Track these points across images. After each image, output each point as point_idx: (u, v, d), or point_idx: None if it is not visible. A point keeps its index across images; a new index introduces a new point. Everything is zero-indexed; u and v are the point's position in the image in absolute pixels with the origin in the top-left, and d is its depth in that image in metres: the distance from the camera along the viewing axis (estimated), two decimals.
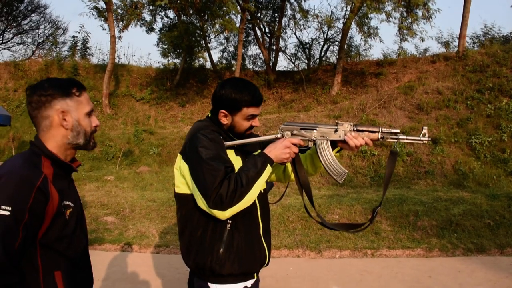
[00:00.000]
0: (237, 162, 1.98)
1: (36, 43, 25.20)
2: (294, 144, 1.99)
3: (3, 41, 24.76)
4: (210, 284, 1.95)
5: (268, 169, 1.90)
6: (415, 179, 10.02)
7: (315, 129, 2.06)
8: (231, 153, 2.00)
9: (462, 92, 12.46)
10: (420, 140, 2.00)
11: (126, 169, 11.75)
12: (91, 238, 6.76)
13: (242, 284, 1.98)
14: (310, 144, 2.09)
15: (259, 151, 2.00)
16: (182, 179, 1.96)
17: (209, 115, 2.11)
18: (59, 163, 1.61)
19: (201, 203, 1.83)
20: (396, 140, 2.03)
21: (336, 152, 2.13)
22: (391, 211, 7.37)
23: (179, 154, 2.01)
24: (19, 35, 24.90)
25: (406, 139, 2.03)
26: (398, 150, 2.05)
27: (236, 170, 1.89)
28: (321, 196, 8.74)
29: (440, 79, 13.69)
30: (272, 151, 1.94)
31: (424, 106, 12.20)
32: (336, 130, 2.05)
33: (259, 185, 1.86)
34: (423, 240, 6.52)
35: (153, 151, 12.55)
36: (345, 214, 7.43)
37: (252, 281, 2.04)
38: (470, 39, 18.06)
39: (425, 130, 1.99)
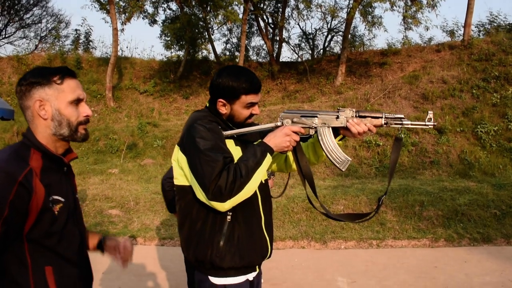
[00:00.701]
0: (236, 152, 1.93)
1: (39, 37, 25.16)
2: (295, 132, 1.93)
3: (6, 36, 24.75)
4: (210, 278, 1.90)
5: (268, 158, 1.85)
6: (421, 169, 9.96)
7: (316, 116, 1.99)
8: (230, 143, 1.95)
9: (468, 81, 12.34)
10: (425, 125, 1.92)
11: (130, 162, 11.75)
12: (95, 231, 6.76)
13: (244, 277, 1.94)
14: (311, 131, 2.02)
15: (259, 140, 1.95)
16: (180, 171, 1.92)
17: (207, 105, 2.05)
18: (49, 155, 1.53)
19: (200, 195, 1.78)
20: (400, 126, 1.94)
21: (339, 140, 2.06)
22: (397, 202, 7.33)
23: (176, 146, 1.96)
24: (22, 29, 24.85)
25: (411, 124, 1.95)
26: (402, 136, 1.96)
27: (236, 161, 1.84)
28: (326, 187, 8.71)
29: (445, 68, 13.55)
30: (271, 140, 1.88)
31: (429, 95, 12.10)
32: (337, 117, 1.98)
33: (259, 175, 1.81)
34: (428, 231, 6.48)
35: (157, 144, 12.53)
36: (350, 204, 7.40)
37: (254, 274, 2.00)
38: (475, 27, 17.85)
39: (430, 114, 1.91)
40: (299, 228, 6.78)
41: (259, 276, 2.07)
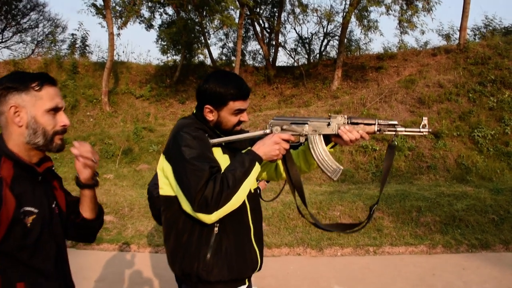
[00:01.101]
0: (224, 160, 1.86)
1: (35, 42, 25.11)
2: (285, 140, 1.86)
3: (3, 40, 24.67)
4: None
5: (257, 167, 1.78)
6: (417, 174, 9.91)
7: (307, 123, 1.93)
8: (217, 152, 1.89)
9: (464, 85, 12.32)
10: (420, 131, 1.87)
11: (125, 167, 11.67)
12: (99, 236, 6.68)
13: None
14: (302, 139, 1.95)
15: (248, 148, 1.88)
16: (166, 180, 1.85)
17: (194, 112, 1.99)
18: (21, 164, 1.46)
19: (186, 206, 1.72)
20: (394, 133, 1.89)
21: (331, 148, 2.00)
22: (393, 207, 7.27)
23: (162, 154, 1.90)
24: (19, 34, 24.79)
25: (405, 131, 1.89)
26: (396, 143, 1.91)
27: (223, 170, 1.78)
28: (322, 192, 8.64)
29: (441, 72, 13.54)
30: (260, 148, 1.81)
31: (425, 99, 12.07)
32: (329, 124, 1.91)
33: (248, 185, 1.74)
34: (426, 237, 6.42)
35: (153, 149, 12.46)
36: (347, 210, 7.33)
37: (243, 287, 1.93)
38: (471, 31, 17.92)
39: (425, 121, 1.86)
40: (295, 234, 6.70)
41: None
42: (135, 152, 12.72)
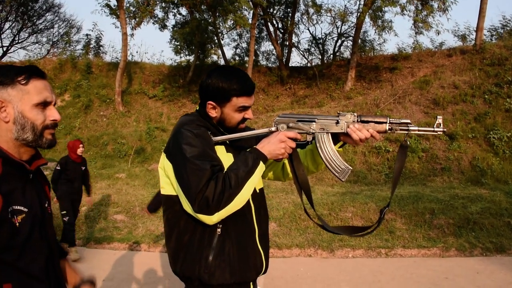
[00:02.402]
0: (228, 159, 1.80)
1: (50, 42, 25.42)
2: (291, 138, 1.78)
3: (19, 41, 25.04)
4: None
5: (261, 166, 1.71)
6: (431, 176, 9.77)
7: (314, 121, 1.84)
8: (221, 150, 1.82)
9: (480, 86, 12.12)
10: (434, 131, 1.77)
11: (138, 166, 11.71)
12: (100, 236, 6.72)
13: None
14: (309, 137, 1.86)
15: (252, 147, 1.81)
16: (167, 179, 1.79)
17: (198, 108, 1.92)
18: (10, 161, 1.39)
19: (187, 206, 1.66)
20: (406, 132, 1.80)
21: (339, 147, 1.91)
22: (406, 209, 7.16)
23: (163, 153, 1.83)
24: (34, 35, 25.14)
25: (418, 130, 1.79)
26: (409, 143, 1.79)
27: (226, 169, 1.71)
28: (334, 193, 8.57)
29: (457, 73, 13.35)
30: (265, 146, 1.74)
31: (440, 101, 11.90)
32: (337, 122, 1.82)
33: (251, 185, 1.67)
34: (439, 239, 6.31)
35: None
36: (359, 212, 7.25)
37: None
38: (487, 31, 17.64)
39: (439, 119, 1.76)
40: (306, 235, 6.64)
41: None
42: (147, 151, 12.77)
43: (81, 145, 6.13)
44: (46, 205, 1.55)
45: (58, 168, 5.97)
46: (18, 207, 1.37)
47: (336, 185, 9.68)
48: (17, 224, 1.35)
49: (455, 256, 5.91)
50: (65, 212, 5.91)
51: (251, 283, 1.88)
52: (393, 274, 5.26)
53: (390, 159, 10.48)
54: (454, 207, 7.06)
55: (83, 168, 6.19)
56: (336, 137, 1.87)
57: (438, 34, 18.95)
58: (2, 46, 24.66)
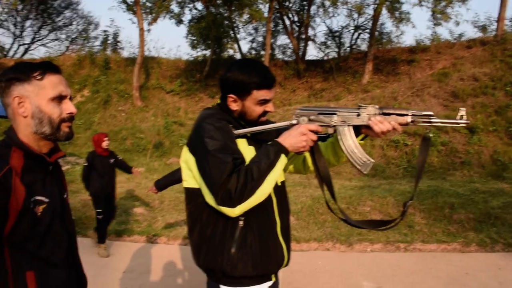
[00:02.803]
0: (249, 152, 1.80)
1: (69, 39, 25.83)
2: (312, 131, 1.77)
3: (40, 38, 25.49)
4: (222, 287, 1.80)
5: (283, 159, 1.71)
6: (451, 170, 9.65)
7: (335, 114, 1.83)
8: (243, 143, 1.82)
9: (501, 78, 11.89)
10: (457, 123, 1.74)
11: (156, 160, 11.83)
12: (120, 229, 6.82)
13: (258, 287, 1.82)
14: (330, 130, 1.85)
15: (274, 140, 1.80)
16: (189, 173, 1.81)
17: (219, 102, 1.93)
18: (31, 154, 1.46)
19: (209, 199, 1.68)
20: (428, 124, 1.77)
21: (361, 140, 1.90)
22: (425, 203, 7.10)
23: (185, 146, 1.85)
24: (54, 32, 25.59)
25: (441, 123, 1.77)
26: (431, 135, 1.79)
27: (248, 162, 1.71)
28: (352, 187, 8.54)
29: (477, 65, 13.12)
30: (287, 139, 1.74)
31: (459, 93, 11.73)
32: (359, 114, 1.81)
33: (273, 178, 1.68)
34: (459, 234, 6.25)
35: (183, 143, 12.58)
36: (377, 206, 7.22)
37: (269, 283, 1.87)
38: (509, 21, 17.26)
39: (462, 111, 1.73)
40: (324, 229, 6.64)
41: (275, 286, 1.94)
42: (165, 146, 12.89)
43: (106, 138, 5.96)
44: (65, 196, 1.62)
45: (86, 164, 5.93)
46: (40, 198, 1.43)
47: (354, 179, 9.64)
48: (39, 214, 1.42)
49: (475, 252, 5.84)
50: (99, 210, 5.87)
51: (273, 275, 1.89)
52: (412, 269, 5.24)
53: (409, 152, 10.38)
54: (475, 202, 6.97)
55: (112, 160, 5.99)
56: (357, 130, 1.86)
57: (458, 25, 18.72)
58: (24, 44, 25.16)
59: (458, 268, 5.19)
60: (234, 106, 1.85)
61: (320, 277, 5.06)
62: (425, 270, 5.19)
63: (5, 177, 1.34)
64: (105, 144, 5.88)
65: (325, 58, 18.90)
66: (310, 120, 1.83)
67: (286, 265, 1.93)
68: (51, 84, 1.47)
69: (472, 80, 12.19)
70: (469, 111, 11.09)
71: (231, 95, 1.83)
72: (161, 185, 4.65)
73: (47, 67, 1.49)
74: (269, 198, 1.81)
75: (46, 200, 1.46)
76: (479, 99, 11.46)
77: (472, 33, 31.71)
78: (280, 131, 1.86)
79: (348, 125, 1.84)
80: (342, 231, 6.52)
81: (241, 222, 1.75)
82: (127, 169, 6.18)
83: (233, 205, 1.62)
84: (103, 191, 5.88)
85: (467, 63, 13.43)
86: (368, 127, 1.81)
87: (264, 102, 1.83)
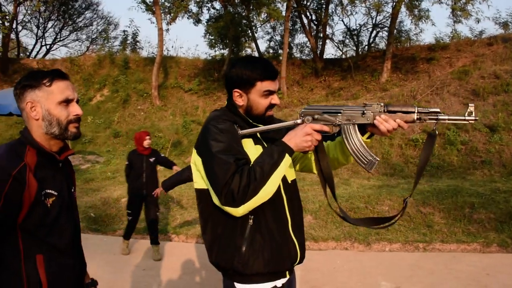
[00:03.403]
0: (256, 151, 1.82)
1: (90, 39, 26.23)
2: (317, 131, 1.78)
3: (61, 39, 25.97)
4: (236, 284, 1.83)
5: (287, 159, 1.73)
6: (471, 169, 9.52)
7: (340, 112, 1.83)
8: (249, 143, 1.85)
9: None
10: (465, 119, 1.72)
11: (175, 159, 11.91)
12: (139, 227, 6.91)
13: (271, 284, 1.83)
14: (335, 129, 1.86)
15: (278, 139, 1.82)
16: (198, 174, 1.85)
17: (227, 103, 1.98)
18: (43, 152, 1.64)
19: (215, 199, 1.72)
20: (435, 121, 1.75)
21: (367, 139, 1.90)
22: (445, 203, 7.03)
23: (194, 148, 1.90)
24: (75, 32, 26.04)
25: (448, 119, 1.75)
26: (437, 132, 1.77)
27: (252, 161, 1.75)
28: (370, 186, 8.50)
29: (498, 62, 12.90)
30: (291, 139, 1.75)
31: (480, 91, 11.54)
32: (363, 113, 1.81)
33: (277, 178, 1.70)
34: (479, 234, 6.17)
35: None
36: (396, 205, 7.18)
37: (283, 281, 1.89)
38: None
39: (471, 107, 1.71)
40: (342, 228, 6.64)
41: (290, 282, 1.96)
42: (184, 144, 13.01)
43: (147, 137, 5.87)
44: (73, 190, 1.81)
45: (127, 162, 5.94)
46: (50, 191, 1.62)
47: (373, 178, 9.59)
48: (49, 205, 1.61)
49: (496, 252, 5.77)
50: (129, 211, 5.92)
51: (287, 272, 1.91)
52: (432, 269, 5.21)
53: (423, 145, 10.26)
54: (496, 202, 6.88)
55: (153, 159, 5.89)
56: (363, 128, 1.87)
57: (478, 22, 18.32)
58: (46, 44, 25.64)
59: (478, 269, 5.14)
60: (240, 101, 1.90)
61: (338, 276, 5.07)
62: (444, 270, 5.16)
63: (20, 172, 1.52)
64: (146, 142, 5.81)
65: (343, 56, 18.80)
66: (314, 119, 1.83)
67: (300, 262, 1.94)
68: (59, 89, 1.65)
69: (493, 77, 11.99)
70: (490, 110, 10.91)
71: (236, 90, 1.88)
72: (168, 185, 4.69)
73: (55, 74, 1.67)
74: (279, 195, 1.84)
75: (55, 193, 1.64)
76: (500, 97, 11.26)
77: (493, 30, 31.14)
78: (288, 130, 1.88)
79: (353, 124, 1.84)
80: (360, 230, 6.51)
81: (250, 221, 1.78)
82: (169, 165, 6.10)
83: (236, 205, 1.65)
84: (138, 192, 5.83)
85: (488, 61, 13.22)
86: (373, 125, 1.81)
87: (268, 93, 1.87)
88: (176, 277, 5.10)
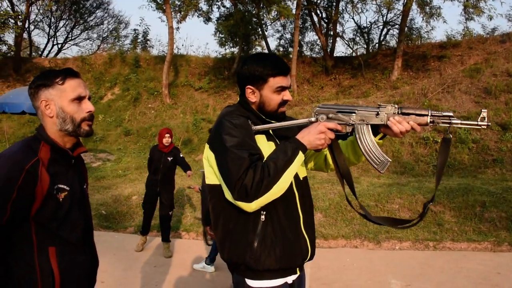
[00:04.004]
0: (269, 148, 1.84)
1: (101, 38, 26.44)
2: (330, 129, 1.80)
3: (72, 38, 26.21)
4: (247, 280, 1.83)
5: (300, 156, 1.74)
6: (482, 168, 9.45)
7: (354, 112, 1.85)
8: (262, 139, 1.87)
9: None
10: (477, 125, 1.74)
11: (185, 157, 11.96)
12: (152, 224, 6.98)
13: (282, 280, 1.85)
14: (349, 129, 1.88)
15: (293, 137, 1.83)
16: (211, 169, 1.86)
17: (239, 100, 2.00)
18: (56, 148, 1.70)
19: (228, 194, 1.73)
20: (448, 125, 1.77)
21: (379, 139, 1.92)
22: (455, 201, 7.00)
23: (206, 144, 1.91)
24: (86, 31, 26.27)
25: (461, 124, 1.77)
26: (451, 136, 1.78)
27: (266, 157, 1.76)
28: (380, 184, 8.48)
29: (511, 60, 12.77)
30: (305, 137, 1.77)
31: (492, 89, 11.42)
32: (377, 114, 1.83)
33: (290, 175, 1.71)
34: (490, 233, 6.14)
35: None
36: (406, 204, 7.16)
37: (293, 277, 1.91)
38: None
39: (484, 113, 1.73)
40: (352, 226, 6.65)
41: (300, 279, 1.98)
42: (194, 142, 13.07)
43: (167, 134, 5.81)
44: (85, 186, 1.86)
45: (149, 156, 6.00)
46: (62, 186, 1.68)
47: (383, 176, 9.56)
48: (61, 200, 1.66)
49: (507, 251, 5.74)
50: (143, 204, 6.04)
51: (297, 268, 1.92)
52: (442, 268, 5.20)
53: (439, 150, 10.21)
54: (507, 200, 6.83)
55: (170, 158, 5.86)
56: (376, 129, 1.89)
57: (491, 19, 18.06)
58: (57, 44, 25.90)
59: (489, 268, 5.12)
60: (253, 98, 1.91)
61: (348, 274, 5.08)
62: (455, 269, 5.15)
63: (33, 166, 1.58)
64: (165, 140, 5.79)
65: (354, 54, 18.71)
66: (328, 118, 1.85)
67: (310, 258, 1.96)
68: (71, 87, 1.71)
69: (506, 75, 11.87)
70: (502, 108, 10.81)
71: (249, 86, 1.90)
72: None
73: (67, 73, 1.73)
74: (291, 192, 1.86)
75: (67, 188, 1.70)
76: None
77: (506, 27, 30.82)
78: (301, 127, 1.90)
79: (367, 124, 1.86)
80: (370, 228, 6.51)
81: (262, 217, 1.79)
82: (185, 168, 6.03)
83: (249, 200, 1.66)
84: (152, 188, 5.89)
85: (500, 58, 13.08)
86: (386, 126, 1.83)
87: (281, 89, 1.88)
88: (186, 274, 5.15)
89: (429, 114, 1.79)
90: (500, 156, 9.57)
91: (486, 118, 1.73)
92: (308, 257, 1.93)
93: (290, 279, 1.89)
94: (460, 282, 4.73)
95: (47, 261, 1.62)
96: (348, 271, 5.20)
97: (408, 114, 1.81)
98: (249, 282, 1.83)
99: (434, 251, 5.86)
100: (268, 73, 1.86)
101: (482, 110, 1.76)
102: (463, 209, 6.81)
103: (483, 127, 1.76)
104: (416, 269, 5.19)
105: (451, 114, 1.77)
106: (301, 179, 1.97)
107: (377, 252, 5.93)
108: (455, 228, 6.39)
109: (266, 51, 18.82)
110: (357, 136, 1.87)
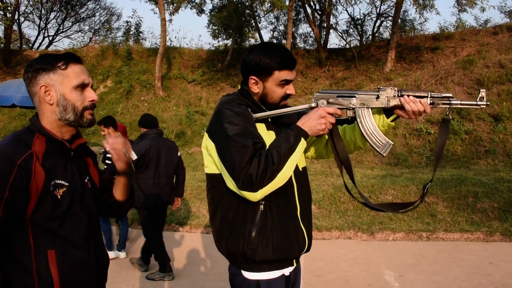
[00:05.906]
0: (269, 137, 1.82)
1: (92, 30, 26.20)
2: (331, 114, 1.78)
3: (63, 30, 25.94)
4: (243, 272, 1.82)
5: (302, 143, 1.72)
6: (475, 159, 9.51)
7: (354, 96, 1.83)
8: (262, 127, 1.84)
9: None
10: (477, 104, 1.75)
11: (178, 150, 11.97)
12: None
13: (279, 272, 1.83)
14: (350, 113, 1.86)
15: (293, 123, 1.81)
16: (210, 158, 1.83)
17: (239, 88, 1.95)
18: (53, 140, 1.56)
19: (230, 184, 1.69)
20: (448, 106, 1.78)
21: (392, 121, 1.89)
22: (448, 192, 7.04)
23: (205, 133, 1.88)
24: (77, 23, 25.99)
25: (460, 104, 1.79)
26: (451, 117, 1.77)
27: (268, 146, 1.73)
28: (374, 176, 8.51)
29: (503, 51, 12.81)
30: (306, 123, 1.74)
31: (484, 81, 11.48)
32: (378, 97, 1.81)
33: (293, 162, 1.69)
34: (483, 224, 6.19)
35: (205, 132, 12.70)
36: (399, 195, 7.19)
37: (290, 269, 1.89)
38: None
39: (482, 93, 1.73)
40: (345, 218, 6.67)
41: (297, 271, 1.96)
42: (187, 135, 13.03)
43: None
44: (87, 180, 1.71)
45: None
46: (60, 181, 1.54)
47: (376, 167, 9.59)
48: (59, 196, 1.52)
49: (500, 241, 5.79)
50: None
51: (294, 260, 1.91)
52: (435, 258, 5.23)
53: (432, 141, 10.26)
54: (499, 191, 6.88)
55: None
56: (389, 111, 1.87)
57: (483, 11, 18.19)
58: (48, 36, 25.63)
59: (481, 258, 5.17)
60: (256, 89, 1.86)
61: (342, 265, 5.10)
62: (448, 259, 5.18)
63: (25, 161, 1.44)
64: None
65: (347, 46, 18.67)
66: (329, 103, 1.83)
67: (307, 250, 1.94)
68: (74, 73, 1.57)
69: (498, 67, 11.92)
70: (495, 99, 10.86)
71: (253, 77, 1.85)
72: (181, 192, 5.18)
73: (70, 57, 1.59)
74: (290, 182, 1.83)
75: (66, 183, 1.56)
76: (505, 87, 11.20)
77: (498, 19, 30.88)
78: (300, 114, 1.88)
79: (367, 108, 1.84)
80: (364, 219, 6.54)
81: (261, 207, 1.77)
82: None
83: (254, 189, 1.63)
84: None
85: (493, 50, 13.12)
86: (399, 108, 1.82)
87: (285, 83, 1.85)
88: (180, 267, 5.14)
89: (429, 96, 1.79)
90: (493, 147, 9.63)
91: (484, 98, 1.74)
92: (305, 249, 1.92)
93: (287, 271, 1.88)
94: (453, 272, 4.76)
95: (46, 266, 1.48)
96: (342, 262, 5.21)
97: (408, 96, 1.80)
98: (246, 274, 1.81)
99: (427, 241, 5.90)
100: (274, 65, 1.80)
101: (481, 90, 1.76)
102: (456, 199, 6.86)
103: (482, 106, 1.76)
104: (410, 259, 5.22)
105: (450, 95, 1.79)
106: (300, 169, 1.95)
107: (371, 243, 5.96)
108: (448, 218, 6.43)
109: (259, 43, 18.74)
110: (358, 120, 1.85)
